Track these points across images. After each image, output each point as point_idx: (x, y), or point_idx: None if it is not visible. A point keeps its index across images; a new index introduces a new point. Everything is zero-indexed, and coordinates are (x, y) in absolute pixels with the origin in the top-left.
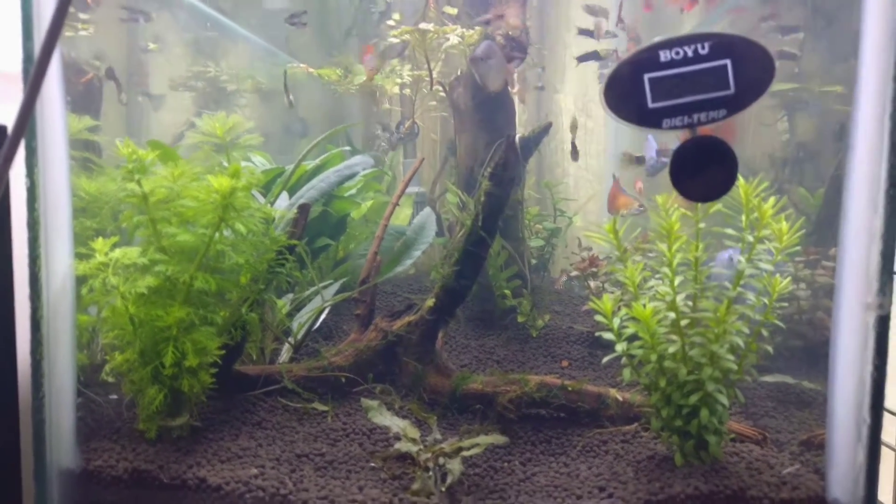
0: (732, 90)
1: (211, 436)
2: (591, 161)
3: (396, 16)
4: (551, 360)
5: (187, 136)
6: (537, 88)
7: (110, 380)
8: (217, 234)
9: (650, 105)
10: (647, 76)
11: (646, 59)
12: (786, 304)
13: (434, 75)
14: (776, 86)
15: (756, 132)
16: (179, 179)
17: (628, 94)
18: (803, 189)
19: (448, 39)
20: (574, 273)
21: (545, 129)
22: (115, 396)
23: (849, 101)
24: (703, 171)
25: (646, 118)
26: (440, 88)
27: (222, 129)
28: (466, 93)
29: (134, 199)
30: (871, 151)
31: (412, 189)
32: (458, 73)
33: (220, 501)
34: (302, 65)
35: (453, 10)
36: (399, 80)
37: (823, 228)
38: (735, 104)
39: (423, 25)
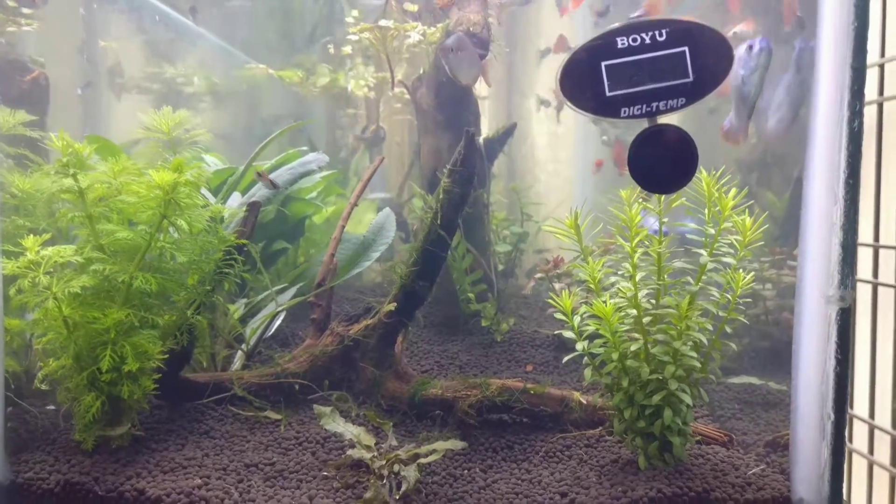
0: (691, 78)
1: (154, 446)
2: (560, 167)
3: (355, 12)
4: (515, 364)
5: (132, 132)
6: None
7: (45, 388)
8: (160, 233)
9: (608, 93)
10: (604, 63)
11: (602, 46)
12: (749, 300)
13: (398, 77)
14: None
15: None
16: (120, 175)
17: (585, 82)
18: (771, 193)
19: (409, 37)
20: (538, 275)
21: (510, 130)
22: (52, 407)
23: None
24: (662, 162)
25: (604, 107)
26: (404, 89)
27: (168, 124)
28: (429, 93)
29: (69, 195)
30: (830, 140)
31: (378, 195)
32: (421, 72)
33: None
34: (261, 66)
35: (413, 7)
36: (363, 82)
37: (790, 230)
38: (694, 92)
39: (382, 23)
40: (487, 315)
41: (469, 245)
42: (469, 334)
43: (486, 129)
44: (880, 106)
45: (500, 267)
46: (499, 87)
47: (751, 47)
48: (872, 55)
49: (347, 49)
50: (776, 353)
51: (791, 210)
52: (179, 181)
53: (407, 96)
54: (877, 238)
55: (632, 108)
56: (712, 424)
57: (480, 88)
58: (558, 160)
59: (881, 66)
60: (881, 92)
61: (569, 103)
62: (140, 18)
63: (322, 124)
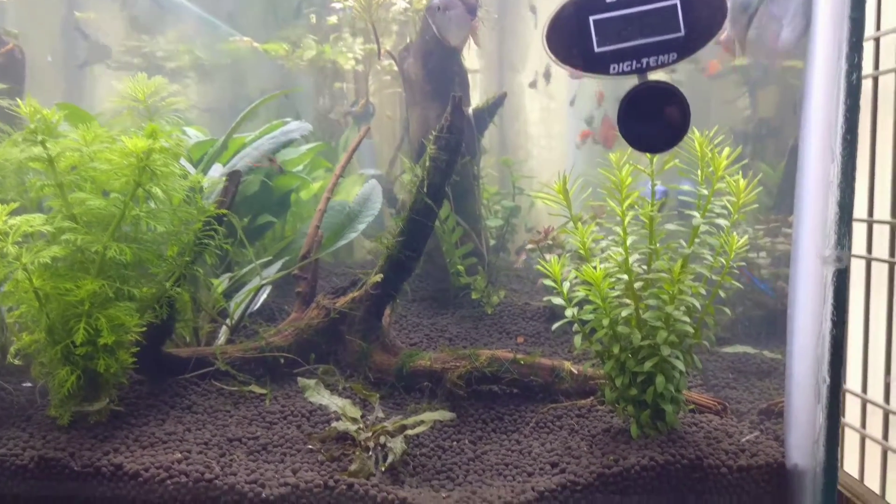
0: (682, 32)
1: (133, 421)
2: (553, 142)
3: None
4: (506, 336)
5: (106, 101)
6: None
7: (18, 363)
8: (136, 202)
9: (596, 49)
10: (592, 18)
11: (590, 0)
12: (743, 264)
13: (385, 47)
14: (737, 60)
15: (718, 108)
16: (93, 143)
17: (572, 38)
18: (765, 164)
19: (395, 3)
20: (529, 246)
21: (499, 100)
22: (29, 384)
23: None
24: (653, 120)
25: (592, 63)
26: (392, 62)
27: (144, 92)
28: (417, 63)
29: (39, 164)
30: (826, 96)
31: (368, 170)
32: (409, 41)
33: (138, 489)
34: (245, 38)
35: None
36: (350, 55)
37: (785, 200)
38: (685, 47)
39: None
40: (478, 287)
41: (459, 218)
42: (459, 307)
43: (478, 103)
44: (875, 80)
45: (492, 242)
46: (490, 60)
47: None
48: (868, 28)
49: (333, 19)
50: (770, 322)
51: (786, 180)
52: (154, 147)
53: (396, 69)
54: (871, 213)
55: (621, 65)
56: (706, 394)
57: (471, 61)
58: (551, 135)
59: (876, 40)
60: (876, 66)
61: (556, 60)
62: None
63: (310, 99)
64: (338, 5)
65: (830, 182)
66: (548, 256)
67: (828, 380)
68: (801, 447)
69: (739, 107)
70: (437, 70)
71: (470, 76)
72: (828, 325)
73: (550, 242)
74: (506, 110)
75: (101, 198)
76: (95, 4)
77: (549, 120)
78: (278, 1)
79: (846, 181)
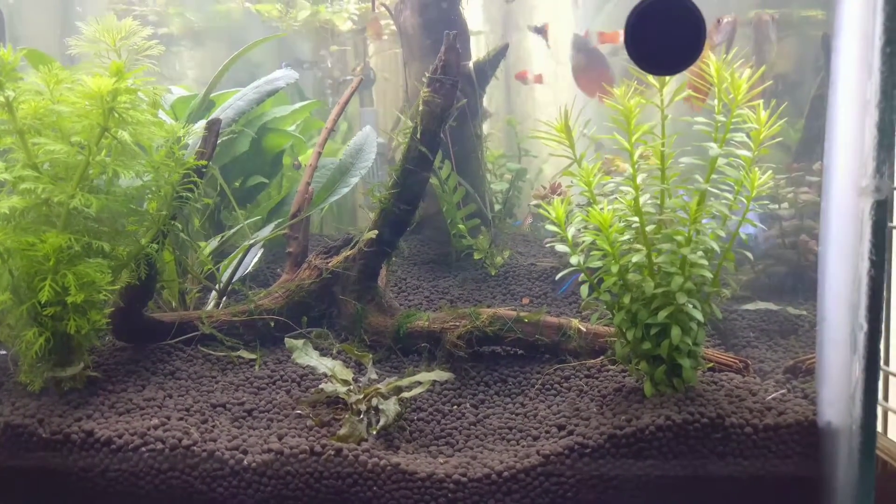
0: None
1: (111, 387)
2: (562, 110)
3: None
4: (511, 298)
5: (70, 43)
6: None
7: None
8: (103, 151)
9: None
10: None
11: None
12: (766, 202)
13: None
14: (753, 12)
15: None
16: (56, 88)
17: None
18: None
19: None
20: (534, 202)
21: (501, 52)
22: (3, 352)
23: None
24: (664, 38)
25: None
26: (385, 12)
27: (114, 35)
28: (414, 15)
29: None
30: (862, 2)
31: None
32: None
33: (111, 457)
34: None
35: None
36: (345, 15)
37: (807, 152)
38: None
39: None
40: (481, 248)
41: (461, 179)
42: (462, 269)
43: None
44: None
45: (497, 206)
46: (495, 22)
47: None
48: None
49: None
50: (794, 278)
51: (807, 132)
52: (120, 88)
53: (394, 27)
54: None
55: None
56: (726, 353)
57: (475, 22)
58: (559, 102)
59: None
60: None
61: None
62: None
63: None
64: None
65: (867, 101)
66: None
67: (865, 326)
68: (835, 403)
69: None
70: (436, 22)
71: (474, 38)
72: (865, 264)
73: (556, 196)
74: (513, 75)
75: (63, 143)
76: None
77: (556, 86)
78: None
79: (886, 100)
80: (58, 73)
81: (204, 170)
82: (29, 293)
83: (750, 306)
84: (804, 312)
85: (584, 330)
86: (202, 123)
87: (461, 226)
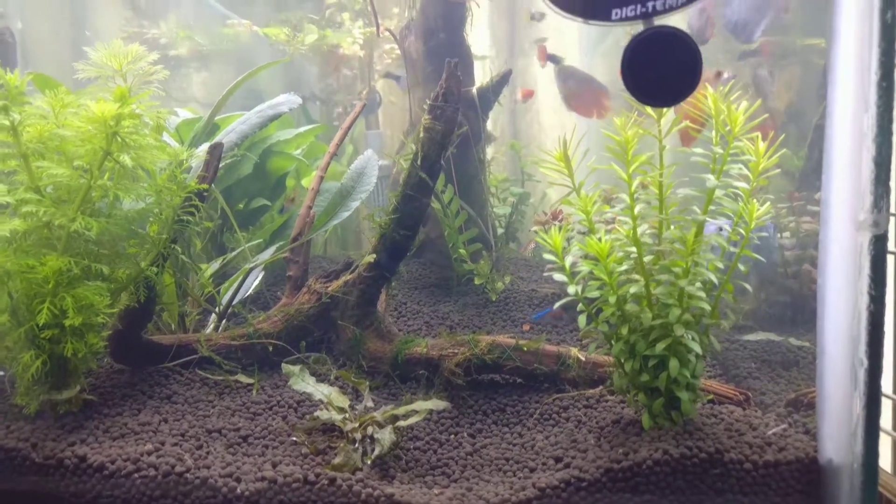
0: None
1: (106, 411)
2: (568, 133)
3: None
4: (511, 324)
5: (77, 68)
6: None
7: None
8: (106, 174)
9: None
10: None
11: None
12: (765, 234)
13: (386, 26)
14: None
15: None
16: (61, 112)
17: None
18: (786, 150)
19: None
20: (535, 228)
21: (505, 78)
22: (1, 373)
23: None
24: (660, 70)
25: (592, 8)
26: (390, 36)
27: (120, 60)
28: (418, 41)
29: (2, 135)
30: (858, 36)
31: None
32: (409, 19)
33: (103, 483)
34: (245, 22)
35: None
36: (351, 39)
37: (809, 181)
38: None
39: None
40: (482, 273)
41: (463, 203)
42: (463, 294)
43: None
44: None
45: (500, 230)
46: (500, 47)
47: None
48: None
49: None
50: (796, 309)
51: (810, 160)
52: (124, 113)
53: (398, 53)
54: None
55: (624, 10)
56: (726, 384)
57: (481, 47)
58: (565, 126)
59: None
60: None
61: (552, 5)
62: None
63: (315, 88)
64: None
65: (864, 135)
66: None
67: (865, 363)
68: (836, 440)
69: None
70: (440, 48)
71: (479, 62)
72: (864, 299)
73: (558, 223)
74: (517, 99)
75: (65, 167)
76: None
77: (561, 109)
78: None
79: (883, 134)
80: (63, 97)
81: (205, 193)
82: (27, 315)
83: (751, 337)
84: (806, 344)
85: (584, 359)
86: (205, 147)
87: (462, 250)
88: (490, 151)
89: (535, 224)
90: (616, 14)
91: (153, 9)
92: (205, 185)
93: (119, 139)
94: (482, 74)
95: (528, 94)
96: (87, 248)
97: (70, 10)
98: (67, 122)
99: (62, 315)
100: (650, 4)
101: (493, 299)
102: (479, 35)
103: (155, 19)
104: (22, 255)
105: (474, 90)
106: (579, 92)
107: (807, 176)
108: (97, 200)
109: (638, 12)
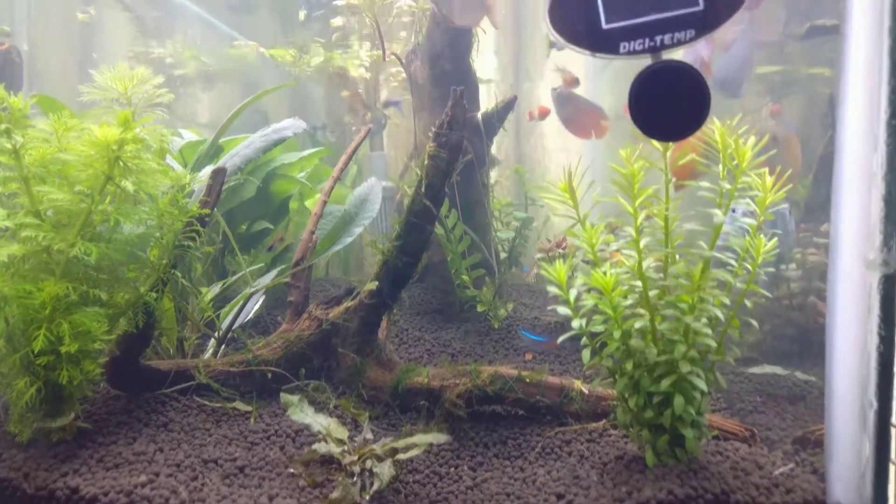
0: (701, 6)
1: (101, 439)
2: (572, 157)
3: None
4: (514, 353)
5: (82, 90)
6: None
7: None
8: (107, 198)
9: (605, 26)
10: None
11: None
12: (772, 270)
13: (395, 51)
14: (760, 69)
15: (740, 119)
16: (64, 135)
17: (578, 13)
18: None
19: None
20: (538, 255)
21: (510, 104)
22: None
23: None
24: (668, 105)
25: (600, 42)
26: (399, 67)
27: (125, 83)
28: (424, 66)
29: (3, 157)
30: (867, 75)
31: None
32: (416, 43)
33: None
34: (251, 43)
35: None
36: (357, 62)
37: (814, 214)
38: (704, 23)
39: None
40: (484, 300)
41: (467, 228)
42: (465, 321)
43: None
44: None
45: (504, 254)
46: (506, 70)
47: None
48: None
49: (337, 21)
50: (802, 342)
51: (816, 190)
52: (126, 138)
53: (404, 75)
54: None
55: (632, 43)
56: (731, 419)
57: (486, 70)
58: (569, 150)
59: None
60: None
61: (559, 38)
62: None
63: (321, 108)
64: (341, 2)
65: (874, 174)
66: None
67: (875, 404)
68: (845, 482)
69: (763, 116)
70: (445, 73)
71: (485, 86)
72: (874, 340)
73: (562, 252)
74: (522, 122)
75: (67, 192)
76: (103, 8)
77: (566, 133)
78: (284, 6)
79: (892, 172)
80: (66, 121)
81: (207, 219)
82: (23, 341)
83: (756, 370)
84: (813, 378)
85: (587, 392)
86: (208, 170)
87: (465, 277)
88: (494, 175)
89: (538, 252)
90: (624, 47)
91: (160, 29)
92: (206, 211)
93: (121, 164)
94: (487, 98)
95: (545, 113)
96: (86, 273)
97: (79, 29)
98: (70, 146)
99: (58, 341)
100: (658, 38)
101: (496, 327)
102: (485, 59)
103: (161, 39)
104: (19, 279)
105: (479, 115)
106: (576, 115)
107: (812, 206)
108: (98, 224)
109: (646, 46)
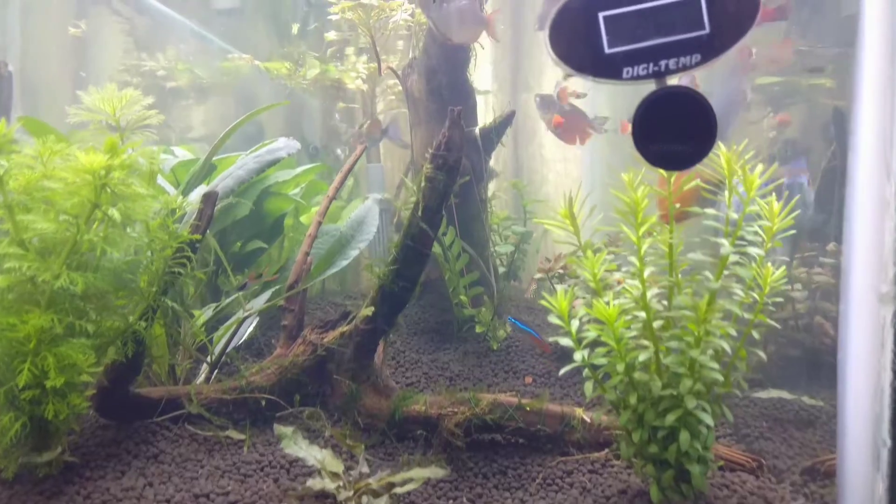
0: (707, 30)
1: (88, 474)
2: (570, 166)
3: None
4: (513, 375)
5: (69, 112)
6: None
7: None
8: (94, 224)
9: (607, 50)
10: (601, 14)
11: None
12: (780, 300)
13: (390, 64)
14: (761, 80)
15: (741, 130)
16: (51, 160)
17: (579, 37)
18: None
19: (395, 16)
20: (538, 275)
21: (508, 119)
22: None
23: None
24: (673, 133)
25: (602, 67)
26: (392, 73)
27: (113, 104)
28: (421, 80)
29: None
30: (880, 100)
31: (375, 195)
32: (412, 57)
33: None
34: (245, 56)
35: None
36: (354, 74)
37: (820, 230)
38: (711, 47)
39: (365, 0)
40: (483, 320)
41: (465, 244)
42: (463, 342)
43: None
44: None
45: (502, 269)
46: (503, 81)
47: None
48: None
49: (331, 35)
50: (808, 363)
51: (819, 205)
52: (113, 164)
53: (401, 88)
54: None
55: (636, 68)
56: (737, 446)
57: (484, 81)
58: (567, 159)
59: None
60: None
61: (560, 63)
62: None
63: (316, 120)
64: (336, 17)
65: (887, 203)
66: (559, 287)
67: (889, 443)
68: None
69: (764, 127)
70: (443, 87)
71: (482, 97)
72: (888, 376)
73: (561, 271)
74: (520, 133)
75: (52, 220)
76: (95, 21)
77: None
78: (279, 18)
79: None
80: (52, 146)
81: (198, 245)
82: (7, 374)
83: (762, 394)
84: (821, 403)
85: (589, 420)
86: (200, 191)
87: (463, 297)
88: (492, 186)
89: (538, 272)
90: (627, 72)
91: (152, 41)
92: (197, 236)
93: (109, 190)
94: (485, 108)
95: (559, 123)
96: (73, 303)
97: (72, 42)
98: (55, 173)
99: (43, 375)
100: (663, 63)
101: (495, 348)
102: (483, 70)
103: (154, 52)
104: (3, 311)
105: (477, 131)
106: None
107: (817, 224)
108: (85, 250)
109: (650, 71)
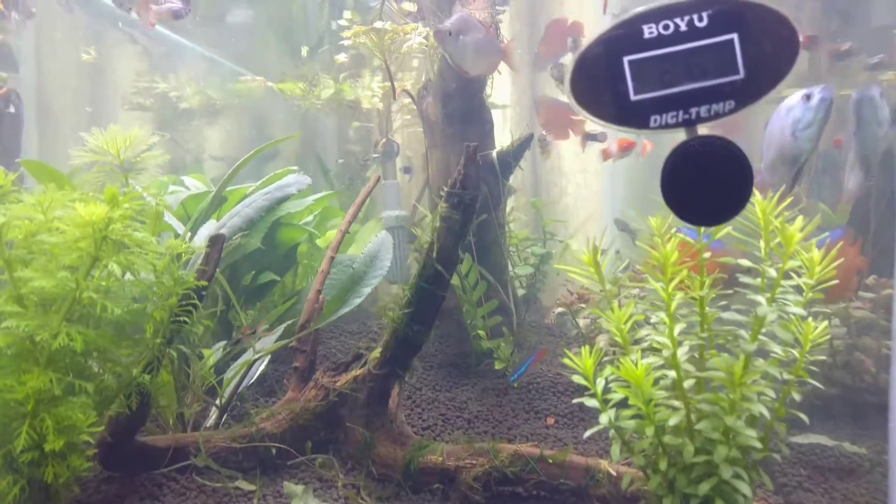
0: (742, 74)
1: None
2: (589, 178)
3: (348, 14)
4: (534, 416)
5: (72, 154)
6: None
7: None
8: (94, 275)
9: (633, 97)
10: (626, 59)
11: (625, 37)
12: (823, 358)
13: (406, 85)
14: (783, 90)
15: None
16: (52, 209)
17: (603, 83)
18: (823, 205)
19: (409, 40)
20: (559, 310)
21: (526, 142)
22: None
23: None
24: (705, 186)
25: (628, 115)
26: (408, 98)
27: (117, 145)
28: (436, 103)
29: None
30: None
31: (392, 212)
32: (427, 80)
33: None
34: (258, 77)
35: (413, 7)
36: (369, 93)
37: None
38: (747, 93)
39: (378, 24)
40: (503, 356)
41: (483, 270)
42: (481, 377)
43: (507, 141)
44: None
45: (521, 291)
46: (522, 95)
47: (808, 97)
48: None
49: (341, 58)
50: (849, 404)
51: (854, 224)
52: (113, 216)
53: (415, 107)
54: None
55: (665, 116)
56: (774, 498)
57: (502, 95)
58: (587, 171)
59: None
60: None
61: (583, 111)
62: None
63: (332, 141)
64: (349, 42)
65: None
66: (581, 321)
67: None
68: None
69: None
70: (459, 111)
71: (500, 112)
72: None
73: (583, 306)
74: (537, 146)
75: (51, 276)
76: (108, 45)
77: (584, 154)
78: (292, 39)
79: None
80: (52, 194)
81: (204, 292)
82: (5, 437)
83: (800, 439)
84: (864, 451)
85: (615, 474)
86: (212, 224)
87: (481, 331)
88: (510, 203)
89: (559, 304)
90: (655, 121)
91: (165, 64)
92: (204, 283)
93: (109, 242)
94: (503, 123)
95: (629, 146)
96: (73, 359)
97: (85, 65)
98: (54, 224)
99: (42, 438)
100: (694, 111)
101: (515, 386)
102: (500, 83)
103: (166, 74)
104: (0, 371)
105: (494, 154)
106: (553, 117)
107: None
108: (86, 304)
109: (680, 119)
